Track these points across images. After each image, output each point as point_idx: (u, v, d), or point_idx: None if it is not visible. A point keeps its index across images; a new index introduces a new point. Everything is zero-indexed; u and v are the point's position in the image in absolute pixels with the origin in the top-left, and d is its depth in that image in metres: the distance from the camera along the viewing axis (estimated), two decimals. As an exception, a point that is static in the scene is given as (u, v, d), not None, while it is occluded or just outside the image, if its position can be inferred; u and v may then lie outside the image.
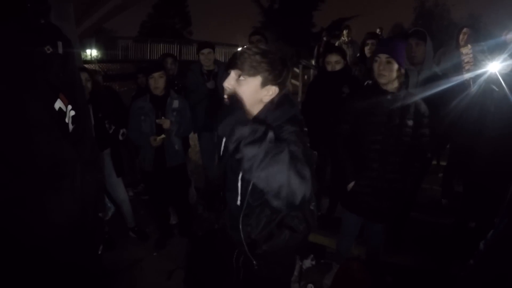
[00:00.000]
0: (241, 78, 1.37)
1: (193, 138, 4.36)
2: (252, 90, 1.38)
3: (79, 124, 1.26)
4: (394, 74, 2.27)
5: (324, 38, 9.80)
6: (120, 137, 3.45)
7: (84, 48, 11.75)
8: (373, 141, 2.37)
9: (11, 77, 1.03)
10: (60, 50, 1.23)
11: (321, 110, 3.31)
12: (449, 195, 4.07)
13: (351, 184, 2.49)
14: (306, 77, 10.51)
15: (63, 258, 1.21)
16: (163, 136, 3.03)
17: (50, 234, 1.15)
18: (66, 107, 1.19)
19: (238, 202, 1.50)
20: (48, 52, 1.17)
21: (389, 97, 2.30)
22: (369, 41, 3.93)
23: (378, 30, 8.82)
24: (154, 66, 3.14)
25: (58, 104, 1.15)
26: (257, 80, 1.37)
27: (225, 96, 1.40)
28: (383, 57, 2.28)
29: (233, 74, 1.39)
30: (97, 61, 10.92)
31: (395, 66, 2.25)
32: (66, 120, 1.19)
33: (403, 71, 2.30)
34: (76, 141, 1.25)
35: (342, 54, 3.39)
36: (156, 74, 3.03)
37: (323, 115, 3.34)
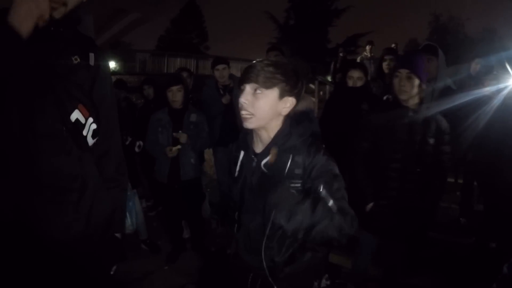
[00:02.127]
0: (258, 91, 1.33)
1: (208, 152, 4.36)
2: (271, 103, 1.35)
3: (103, 138, 1.23)
4: (415, 90, 2.22)
5: (341, 54, 9.83)
6: (137, 149, 3.48)
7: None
8: (393, 160, 2.31)
9: (25, 83, 1.02)
10: (92, 62, 1.22)
11: (339, 126, 3.28)
12: (468, 214, 3.96)
13: (370, 205, 2.42)
14: (321, 93, 10.50)
15: (62, 272, 1.17)
16: (178, 146, 3.04)
17: (48, 248, 1.12)
18: (86, 119, 1.15)
19: (260, 225, 1.42)
20: (75, 62, 1.16)
21: (410, 113, 2.25)
22: (387, 57, 3.91)
23: (393, 45, 8.77)
24: (173, 79, 3.16)
25: (76, 115, 1.11)
26: (274, 92, 1.34)
27: (243, 112, 1.36)
28: (404, 72, 2.23)
29: (248, 88, 1.35)
30: (115, 73, 11.12)
31: (416, 81, 2.20)
32: (84, 132, 1.14)
33: (424, 86, 2.25)
34: (101, 156, 1.24)
35: (365, 70, 3.38)
36: (174, 88, 3.06)
37: (341, 131, 3.31)
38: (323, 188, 1.29)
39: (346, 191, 1.35)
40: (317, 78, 10.22)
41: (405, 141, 2.27)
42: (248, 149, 1.49)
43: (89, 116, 1.15)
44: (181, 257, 3.47)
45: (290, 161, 1.36)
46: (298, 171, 1.36)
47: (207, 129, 3.31)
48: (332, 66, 9.99)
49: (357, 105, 3.22)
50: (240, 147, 1.54)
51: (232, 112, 3.74)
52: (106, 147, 1.26)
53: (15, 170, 1.03)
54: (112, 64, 12.14)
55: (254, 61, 1.38)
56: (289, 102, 1.38)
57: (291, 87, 1.36)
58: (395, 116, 2.27)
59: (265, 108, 1.34)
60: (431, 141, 2.26)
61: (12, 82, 0.99)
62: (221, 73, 3.81)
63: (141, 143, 3.46)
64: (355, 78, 3.29)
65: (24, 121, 1.02)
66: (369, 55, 7.82)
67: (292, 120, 1.42)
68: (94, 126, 1.16)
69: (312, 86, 10.15)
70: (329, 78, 10.47)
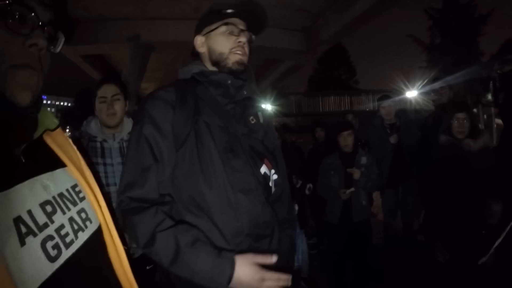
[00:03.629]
0: None
1: (375, 194, 4.29)
2: None
3: (280, 186, 1.34)
4: None
5: (498, 72, 8.58)
6: (307, 191, 3.62)
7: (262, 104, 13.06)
8: None
9: (223, 145, 1.19)
10: (261, 120, 1.38)
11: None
12: None
13: None
14: (485, 116, 9.26)
15: None
16: (352, 189, 3.08)
17: None
18: (270, 171, 1.28)
19: None
20: (252, 122, 1.33)
21: None
22: None
23: None
24: (343, 124, 3.27)
25: (263, 169, 1.26)
26: None
27: None
28: None
29: None
30: (275, 115, 12.01)
31: None
32: (270, 184, 1.28)
33: None
34: (275, 201, 1.32)
35: None
36: (345, 133, 3.15)
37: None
38: None
39: None
40: (481, 101, 9.08)
41: None
42: None
43: (272, 168, 1.29)
44: (339, 299, 3.40)
45: None
46: None
47: (377, 171, 3.28)
48: (491, 84, 8.77)
49: None
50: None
51: (401, 152, 3.62)
52: (279, 192, 1.36)
53: (225, 225, 1.16)
54: (270, 108, 13.14)
55: None
56: None
57: None
58: None
59: None
60: None
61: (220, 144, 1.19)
62: (388, 110, 3.75)
63: (311, 185, 3.59)
64: None
65: (226, 179, 1.17)
66: None
67: None
68: (275, 176, 1.30)
69: (475, 110, 9.07)
70: (489, 97, 9.20)
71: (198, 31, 1.37)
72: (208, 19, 1.33)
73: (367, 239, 3.39)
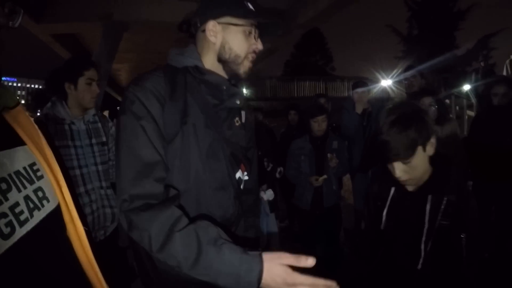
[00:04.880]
0: (406, 162, 1.34)
1: (345, 178, 4.36)
2: (421, 161, 1.36)
3: (249, 183, 1.32)
4: None
5: (482, 64, 8.96)
6: (277, 175, 3.64)
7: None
8: None
9: (206, 148, 1.15)
10: (243, 119, 1.31)
11: (488, 149, 3.01)
12: None
13: None
14: (458, 108, 9.59)
15: None
16: (325, 176, 3.07)
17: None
18: (243, 174, 1.26)
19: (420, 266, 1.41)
20: (237, 124, 1.27)
21: None
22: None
23: None
24: (317, 109, 3.23)
25: (238, 174, 1.24)
26: (419, 152, 1.33)
27: (403, 181, 1.41)
28: None
29: (396, 165, 1.37)
30: (248, 99, 12.01)
31: None
32: (241, 186, 1.27)
33: None
34: (243, 193, 1.29)
35: (510, 85, 3.07)
36: (320, 118, 3.12)
37: (493, 156, 3.03)
38: None
39: None
40: (453, 93, 9.43)
41: None
42: (399, 185, 1.48)
43: (245, 171, 1.27)
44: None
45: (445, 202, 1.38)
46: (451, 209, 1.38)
47: (346, 155, 3.32)
48: (473, 77, 9.12)
49: (507, 125, 2.93)
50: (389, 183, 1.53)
51: (374, 138, 3.69)
52: (250, 186, 1.33)
53: (198, 211, 1.16)
54: (244, 91, 13.17)
55: (383, 135, 1.36)
56: (432, 145, 1.37)
57: (428, 133, 1.35)
58: None
59: (419, 169, 1.38)
60: None
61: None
62: (360, 96, 3.78)
63: (282, 169, 3.61)
64: (500, 95, 3.01)
65: (205, 181, 1.15)
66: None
67: (441, 157, 1.42)
68: (246, 178, 1.28)
69: (447, 101, 9.39)
70: (465, 88, 9.57)
71: (214, 15, 1.17)
72: (233, 9, 1.16)
73: (337, 222, 3.46)
